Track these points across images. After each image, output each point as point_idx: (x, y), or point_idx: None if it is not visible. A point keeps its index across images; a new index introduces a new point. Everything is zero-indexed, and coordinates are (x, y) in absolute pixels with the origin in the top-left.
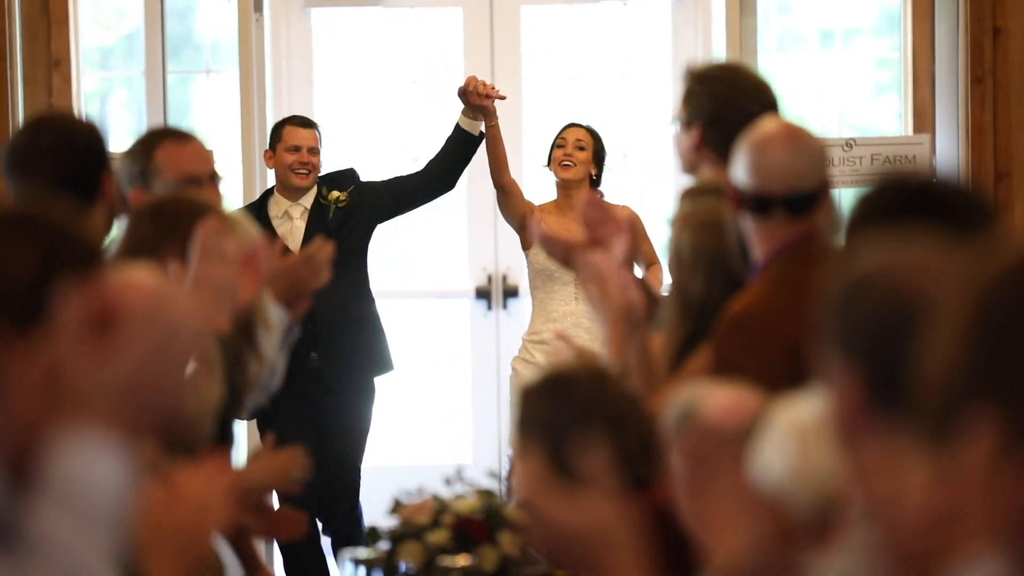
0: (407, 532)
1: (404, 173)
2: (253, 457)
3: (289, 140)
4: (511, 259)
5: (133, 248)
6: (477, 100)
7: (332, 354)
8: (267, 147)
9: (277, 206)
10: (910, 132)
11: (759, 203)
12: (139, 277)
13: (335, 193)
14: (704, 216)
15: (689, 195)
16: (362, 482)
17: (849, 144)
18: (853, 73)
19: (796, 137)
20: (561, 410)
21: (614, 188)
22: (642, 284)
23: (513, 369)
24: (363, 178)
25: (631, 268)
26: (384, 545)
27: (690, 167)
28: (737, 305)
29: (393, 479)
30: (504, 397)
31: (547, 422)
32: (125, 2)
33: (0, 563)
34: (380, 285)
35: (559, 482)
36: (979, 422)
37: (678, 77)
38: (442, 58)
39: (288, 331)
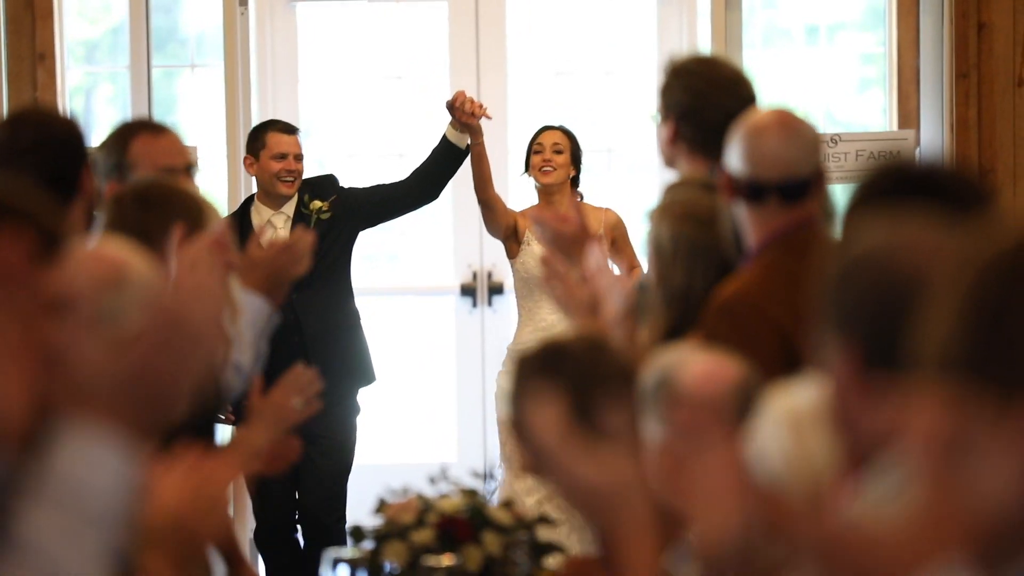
0: (391, 531)
1: (387, 181)
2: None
3: (275, 147)
4: (496, 256)
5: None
6: (464, 117)
7: (320, 364)
8: (246, 153)
9: (259, 215)
10: (895, 127)
11: (753, 190)
12: (107, 250)
13: (317, 203)
14: (683, 207)
15: (672, 190)
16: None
17: (834, 140)
18: (838, 68)
19: (790, 125)
20: (594, 364)
21: (599, 185)
22: (618, 284)
23: (499, 386)
24: (344, 183)
25: (607, 273)
26: (368, 544)
27: (668, 160)
28: (727, 290)
29: (378, 478)
30: (490, 394)
31: (576, 373)
32: None
33: None
34: (365, 282)
35: (582, 435)
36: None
37: (663, 72)
38: (427, 52)
39: (269, 319)
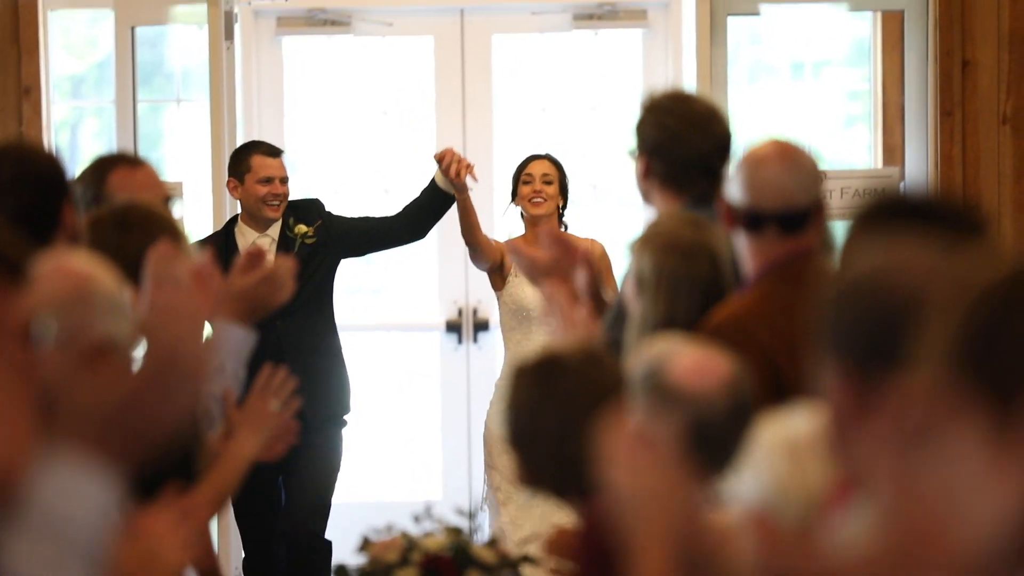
0: (376, 570)
1: (375, 214)
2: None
3: (261, 171)
4: (482, 292)
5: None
6: (452, 176)
7: (301, 390)
8: (230, 176)
9: (244, 236)
10: (880, 164)
11: (752, 220)
12: (71, 262)
13: (301, 227)
14: (666, 239)
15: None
16: (330, 518)
17: None
18: (824, 105)
19: (790, 155)
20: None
21: (584, 220)
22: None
23: (487, 427)
24: (329, 209)
25: (594, 297)
26: None
27: (644, 195)
28: (719, 315)
29: (362, 516)
30: (475, 431)
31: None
32: (95, 30)
33: None
34: (350, 318)
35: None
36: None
37: (639, 107)
38: (413, 87)
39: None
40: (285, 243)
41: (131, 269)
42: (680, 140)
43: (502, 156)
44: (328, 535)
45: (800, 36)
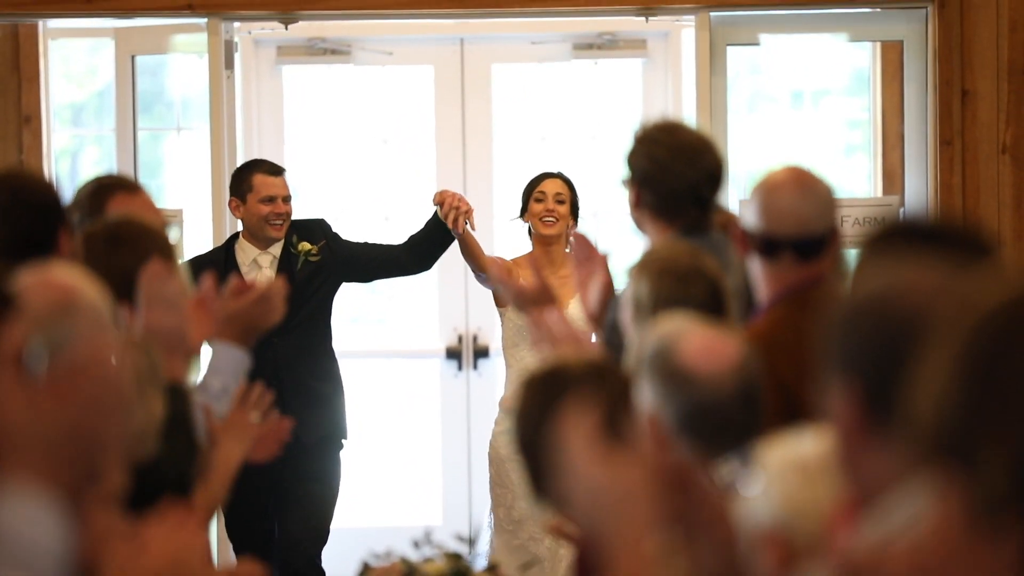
0: None
1: (381, 242)
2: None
3: (263, 190)
4: (482, 319)
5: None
6: (450, 225)
7: (296, 410)
8: (231, 195)
9: (244, 253)
10: (880, 193)
11: (767, 245)
12: (54, 275)
13: (306, 244)
14: (662, 263)
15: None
16: (330, 543)
17: None
18: (824, 134)
19: (806, 182)
20: (616, 376)
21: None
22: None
23: (492, 447)
24: (336, 231)
25: (606, 304)
26: None
27: (636, 224)
28: None
29: (362, 541)
30: (475, 457)
31: (611, 384)
32: (96, 59)
33: None
34: (351, 345)
35: (606, 442)
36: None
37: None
38: (413, 116)
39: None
40: (287, 261)
41: (123, 284)
42: (669, 171)
43: (501, 185)
44: (327, 560)
45: (800, 66)
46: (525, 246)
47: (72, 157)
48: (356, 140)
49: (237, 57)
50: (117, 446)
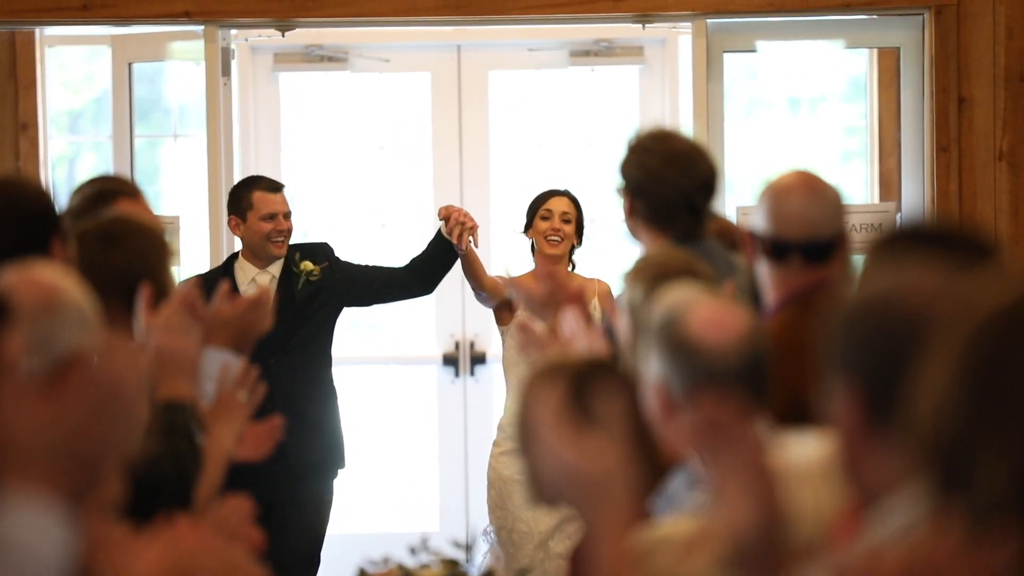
0: None
1: (383, 264)
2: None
3: (263, 208)
4: (479, 326)
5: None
6: (454, 240)
7: (291, 435)
8: (230, 214)
9: (244, 272)
10: (877, 199)
11: (776, 249)
12: (40, 274)
13: (307, 264)
14: (656, 268)
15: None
16: (327, 549)
17: None
18: (820, 140)
19: (815, 186)
20: (590, 363)
21: (583, 254)
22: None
23: (492, 468)
24: (338, 255)
25: (586, 333)
26: None
27: (631, 232)
28: None
29: (358, 547)
30: (472, 463)
31: (575, 370)
32: (93, 66)
33: None
34: (347, 351)
35: (574, 421)
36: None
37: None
38: (410, 123)
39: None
40: (287, 280)
41: (116, 282)
42: (661, 181)
43: (498, 191)
44: (324, 566)
45: (796, 72)
46: (525, 257)
47: (69, 164)
48: (353, 147)
49: (234, 64)
50: (120, 451)
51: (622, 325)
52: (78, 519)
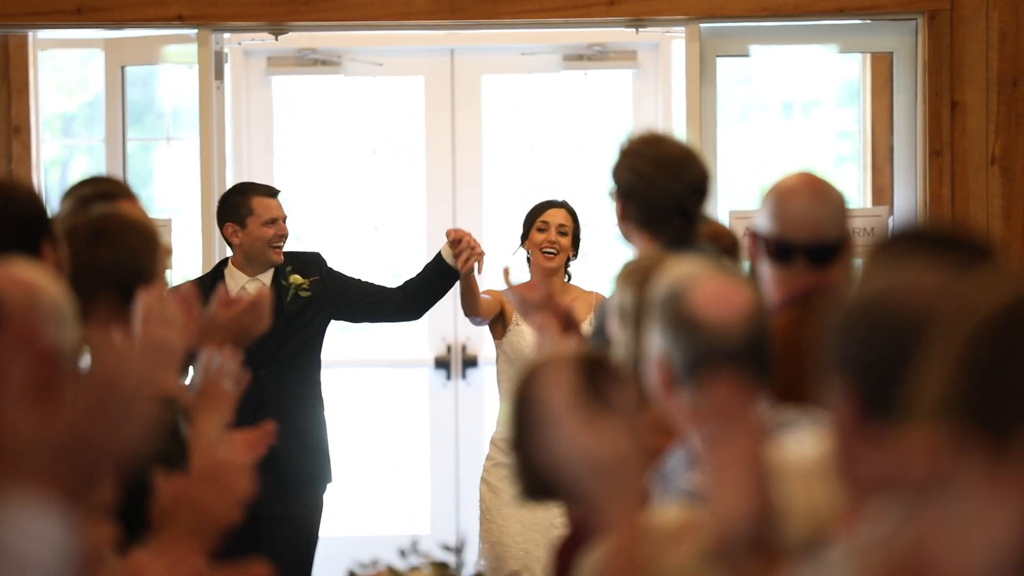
0: None
1: (375, 282)
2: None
3: (265, 213)
4: (471, 329)
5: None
6: (460, 264)
7: (282, 453)
8: (228, 221)
9: (234, 280)
10: (870, 204)
11: (781, 250)
12: (18, 271)
13: (297, 278)
14: (646, 272)
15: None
16: (317, 552)
17: None
18: (813, 145)
19: (819, 188)
20: (597, 353)
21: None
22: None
23: (485, 482)
24: (331, 266)
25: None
26: None
27: (624, 235)
28: None
29: (348, 549)
30: (463, 467)
31: (584, 357)
32: (86, 69)
33: None
34: (339, 354)
35: (589, 407)
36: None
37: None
38: (403, 127)
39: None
40: (276, 292)
41: (106, 279)
42: (652, 185)
43: (491, 195)
44: (314, 569)
45: (790, 77)
46: (520, 267)
47: (62, 167)
48: (346, 150)
49: (227, 68)
50: (121, 452)
51: (613, 328)
52: (78, 521)
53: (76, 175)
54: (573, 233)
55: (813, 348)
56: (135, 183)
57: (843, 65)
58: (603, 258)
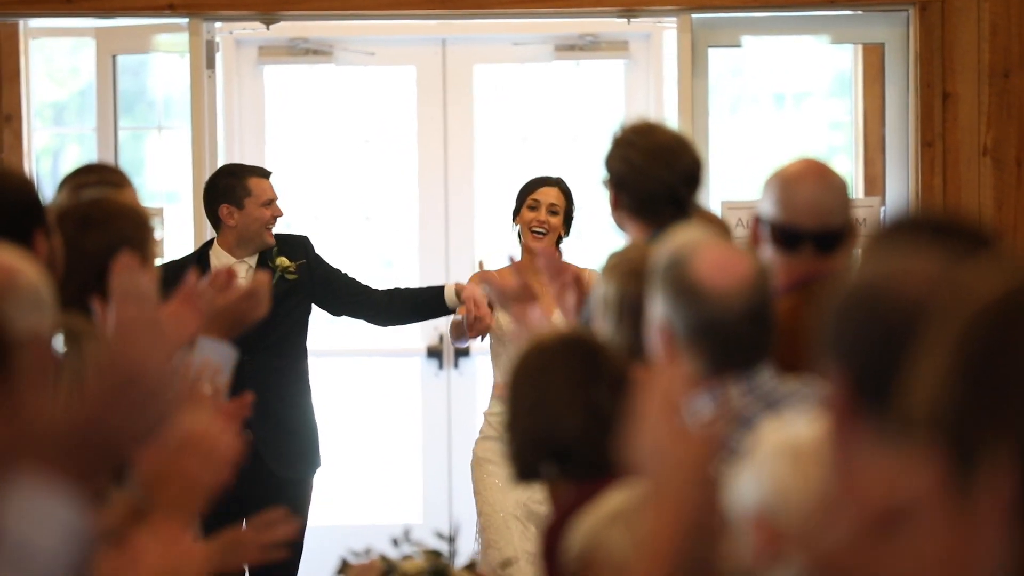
0: None
1: (361, 280)
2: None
3: (263, 194)
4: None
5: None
6: (466, 327)
7: (265, 434)
8: (224, 202)
9: (219, 261)
10: (861, 195)
11: (788, 237)
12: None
13: (283, 260)
14: (630, 265)
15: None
16: (309, 541)
17: None
18: (805, 136)
19: (824, 175)
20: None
21: (566, 248)
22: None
23: (475, 455)
24: (319, 252)
25: (576, 317)
26: None
27: (617, 224)
28: None
29: (341, 538)
30: (456, 455)
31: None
32: (78, 58)
33: None
34: (331, 343)
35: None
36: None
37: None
38: (395, 116)
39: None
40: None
41: (94, 266)
42: (644, 174)
43: (483, 185)
44: (306, 557)
45: (782, 68)
46: (511, 247)
47: (53, 156)
48: (338, 140)
49: (218, 57)
50: (139, 439)
51: (596, 319)
52: (88, 507)
53: (68, 164)
54: (565, 212)
55: (812, 332)
56: (127, 172)
57: (835, 56)
58: (595, 246)
